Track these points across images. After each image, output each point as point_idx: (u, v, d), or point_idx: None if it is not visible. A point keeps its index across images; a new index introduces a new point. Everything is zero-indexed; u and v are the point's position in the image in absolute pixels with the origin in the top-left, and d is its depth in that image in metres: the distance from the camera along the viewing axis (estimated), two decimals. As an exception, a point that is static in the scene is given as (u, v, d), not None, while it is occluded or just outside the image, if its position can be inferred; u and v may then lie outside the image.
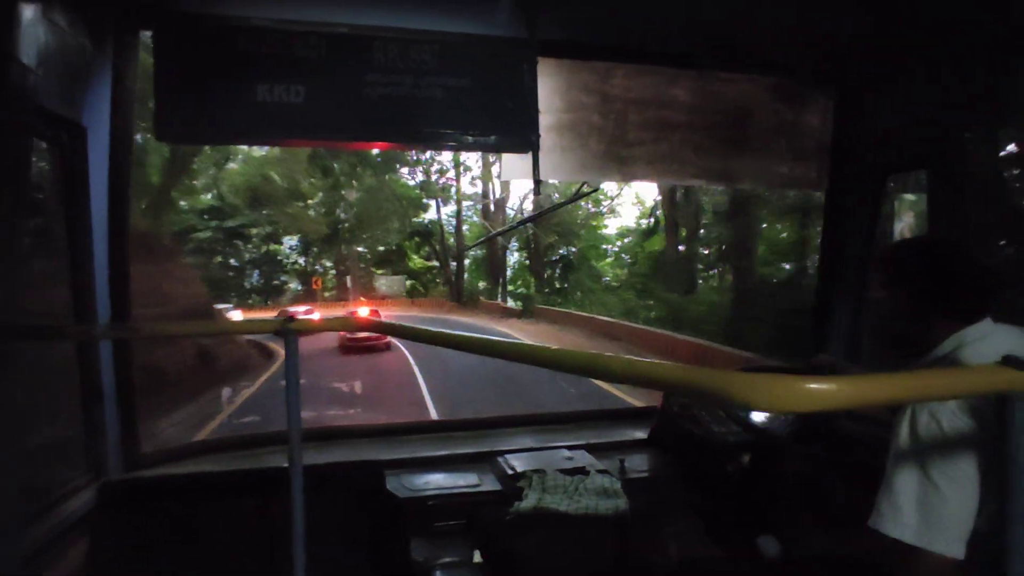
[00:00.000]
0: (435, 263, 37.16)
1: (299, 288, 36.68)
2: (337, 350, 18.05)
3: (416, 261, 38.63)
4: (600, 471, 1.87)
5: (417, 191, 34.83)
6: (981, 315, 1.20)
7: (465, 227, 34.88)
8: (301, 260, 37.79)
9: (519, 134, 1.96)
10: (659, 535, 1.72)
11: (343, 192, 33.52)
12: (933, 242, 1.41)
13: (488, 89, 1.94)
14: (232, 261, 34.50)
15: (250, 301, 33.93)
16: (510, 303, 29.67)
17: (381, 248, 37.49)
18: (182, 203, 28.31)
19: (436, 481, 1.91)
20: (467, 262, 34.58)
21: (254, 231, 34.16)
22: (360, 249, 36.80)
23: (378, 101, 1.88)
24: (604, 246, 31.47)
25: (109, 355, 1.83)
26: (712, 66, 2.20)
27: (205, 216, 31.24)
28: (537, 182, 1.97)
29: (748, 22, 1.92)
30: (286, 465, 1.45)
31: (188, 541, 1.87)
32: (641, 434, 2.27)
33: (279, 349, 16.98)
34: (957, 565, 1.04)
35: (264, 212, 32.01)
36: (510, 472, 1.87)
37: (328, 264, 38.12)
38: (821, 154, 2.31)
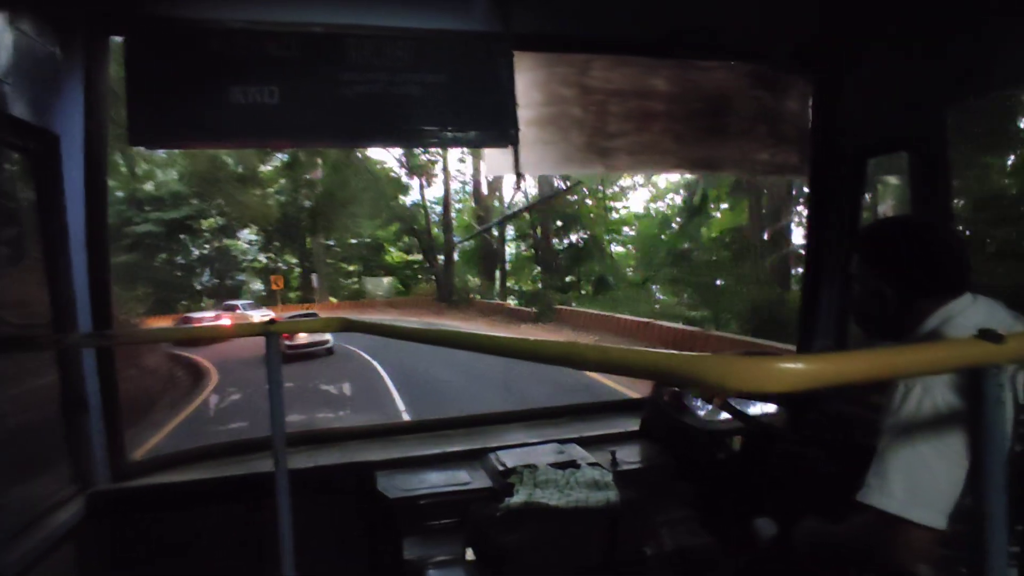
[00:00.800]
0: (417, 257, 31.58)
1: (261, 289, 31.08)
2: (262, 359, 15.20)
3: (393, 255, 32.95)
4: (591, 464, 1.87)
5: (393, 172, 29.42)
6: (963, 289, 1.21)
7: (452, 213, 29.42)
8: (262, 257, 32.03)
9: (499, 128, 1.95)
10: (651, 525, 1.72)
11: (306, 176, 29.04)
12: (912, 220, 1.42)
13: (465, 84, 1.93)
14: (180, 259, 29.30)
15: (192, 304, 28.59)
16: (511, 302, 24.87)
17: (353, 240, 32.02)
18: (118, 193, 24.89)
19: (427, 480, 1.90)
20: (455, 254, 29.21)
21: (204, 224, 28.95)
22: (328, 242, 31.66)
23: (355, 100, 1.87)
24: (624, 229, 26.14)
25: (93, 364, 1.82)
26: (690, 55, 2.20)
27: (147, 208, 26.68)
28: (519, 176, 1.97)
29: (724, 9, 1.92)
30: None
31: (179, 550, 1.86)
32: (632, 425, 2.27)
33: (214, 369, 14.27)
34: (938, 538, 1.05)
35: (217, 201, 27.62)
36: (501, 468, 1.87)
37: (293, 261, 32.37)
38: (802, 140, 2.32)
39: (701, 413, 2.06)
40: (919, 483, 1.05)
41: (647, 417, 2.23)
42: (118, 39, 1.78)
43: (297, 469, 1.91)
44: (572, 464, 1.87)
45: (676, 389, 2.12)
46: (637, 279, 21.70)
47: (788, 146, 2.33)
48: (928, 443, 1.06)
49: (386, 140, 1.95)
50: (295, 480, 1.47)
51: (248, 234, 31.30)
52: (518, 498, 1.67)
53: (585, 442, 2.09)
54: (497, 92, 1.95)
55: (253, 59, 1.79)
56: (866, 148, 2.14)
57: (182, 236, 28.64)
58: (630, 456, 2.03)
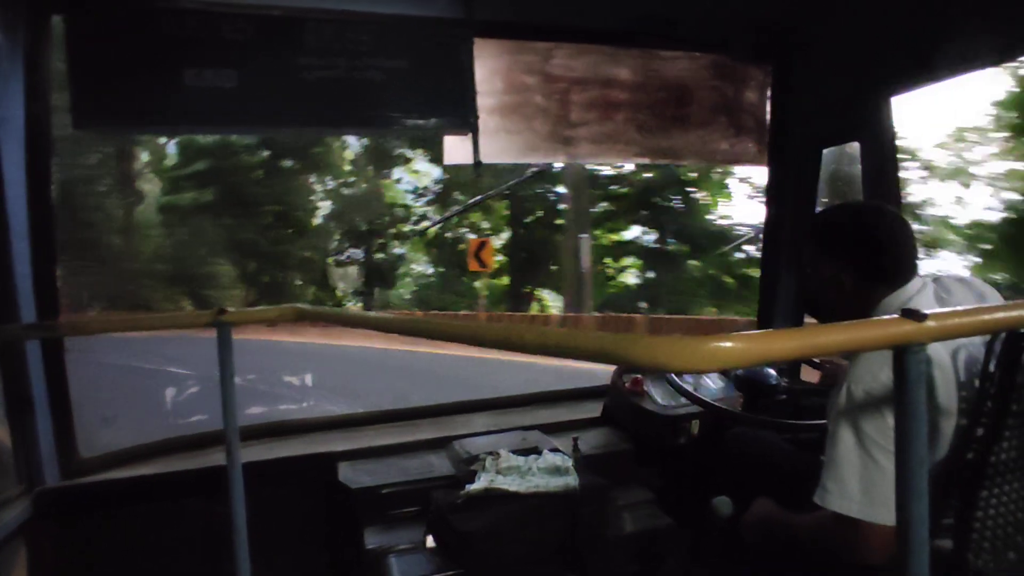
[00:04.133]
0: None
1: (428, 272, 17.39)
2: None
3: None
4: (552, 450, 1.89)
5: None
6: (911, 275, 1.22)
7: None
8: (430, 216, 16.81)
9: (458, 116, 1.94)
10: (611, 509, 1.74)
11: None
12: (862, 206, 1.37)
13: (426, 71, 1.91)
14: (297, 209, 15.80)
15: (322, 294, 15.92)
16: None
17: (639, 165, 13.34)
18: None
19: (390, 469, 1.89)
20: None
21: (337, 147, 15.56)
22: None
23: (315, 85, 1.83)
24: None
25: (38, 358, 1.75)
26: (652, 44, 2.22)
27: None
28: (478, 164, 1.96)
29: None
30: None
31: (133, 547, 1.81)
32: (595, 412, 2.29)
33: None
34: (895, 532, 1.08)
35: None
36: (464, 456, 1.87)
37: (486, 226, 15.85)
38: (760, 130, 2.36)
39: (660, 399, 2.09)
40: (874, 483, 1.07)
41: (609, 403, 2.25)
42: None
43: (256, 461, 1.87)
44: (534, 450, 1.88)
45: (638, 376, 2.15)
46: None
47: (747, 136, 2.38)
48: (873, 442, 1.08)
49: (346, 126, 1.93)
50: (254, 472, 1.44)
51: (406, 174, 16.50)
52: (479, 484, 1.68)
53: (549, 429, 2.11)
54: (457, 79, 1.94)
55: (208, 41, 1.74)
56: (821, 138, 2.20)
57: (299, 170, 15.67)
58: (593, 442, 2.05)
